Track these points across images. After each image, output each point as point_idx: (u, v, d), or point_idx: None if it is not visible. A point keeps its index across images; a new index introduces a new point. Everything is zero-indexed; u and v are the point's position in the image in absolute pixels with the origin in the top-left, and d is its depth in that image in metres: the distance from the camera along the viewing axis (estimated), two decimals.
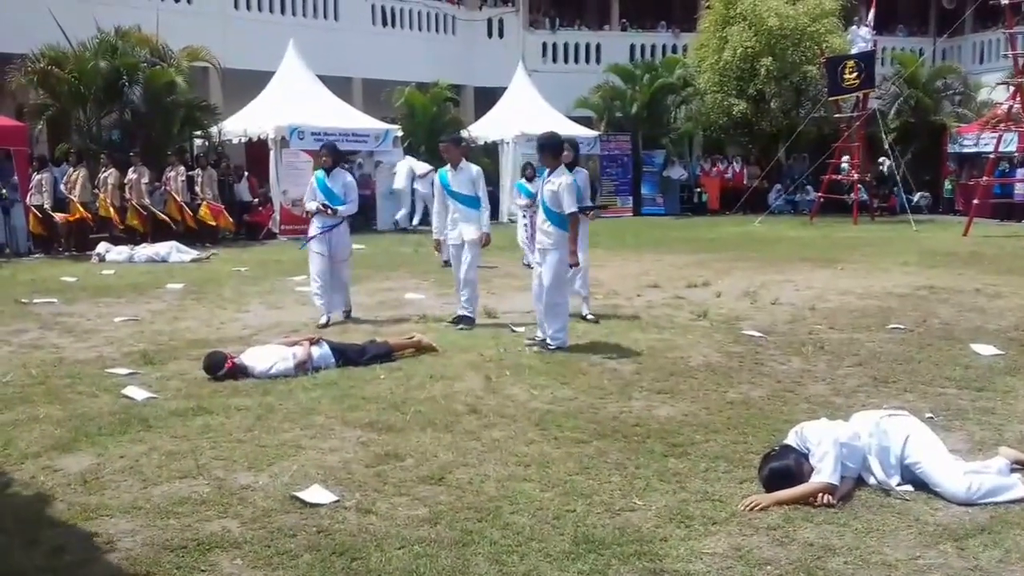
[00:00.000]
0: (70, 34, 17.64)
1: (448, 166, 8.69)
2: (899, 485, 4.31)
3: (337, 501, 4.20)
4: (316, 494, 4.25)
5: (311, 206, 8.93)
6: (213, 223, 17.35)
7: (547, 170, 7.66)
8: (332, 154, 9.00)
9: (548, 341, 7.56)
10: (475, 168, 8.73)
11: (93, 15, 18.30)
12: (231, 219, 17.99)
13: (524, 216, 12.50)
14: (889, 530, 3.91)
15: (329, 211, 8.80)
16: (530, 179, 12.49)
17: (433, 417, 5.54)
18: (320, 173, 8.99)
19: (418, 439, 5.12)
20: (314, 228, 8.96)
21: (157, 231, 16.56)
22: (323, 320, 8.75)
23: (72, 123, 18.15)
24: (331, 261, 8.88)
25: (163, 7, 20.79)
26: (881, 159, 23.75)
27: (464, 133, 20.83)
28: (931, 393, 6.15)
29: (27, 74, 17.11)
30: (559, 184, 7.39)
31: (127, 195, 16.61)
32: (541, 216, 7.62)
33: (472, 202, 8.55)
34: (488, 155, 21.83)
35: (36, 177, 15.98)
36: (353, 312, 9.19)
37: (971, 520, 3.99)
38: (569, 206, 7.34)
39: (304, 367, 6.66)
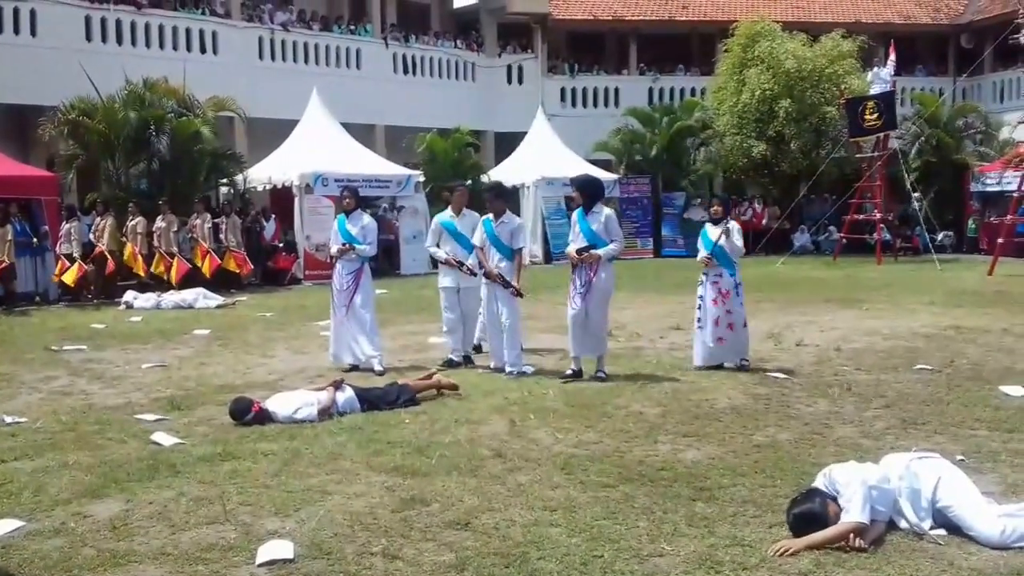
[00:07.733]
0: (100, 86, 18.08)
1: (491, 215, 8.56)
2: (932, 529, 4.25)
3: (292, 561, 4.06)
4: (275, 550, 4.13)
5: (334, 249, 9.00)
6: (237, 271, 17.56)
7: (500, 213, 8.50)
8: (355, 196, 9.05)
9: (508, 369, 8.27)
10: (478, 214, 8.86)
11: (122, 67, 18.80)
12: (251, 265, 18.16)
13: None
14: (923, 575, 3.85)
15: (347, 247, 8.76)
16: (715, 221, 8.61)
17: (458, 461, 5.54)
18: (341, 216, 9.02)
19: (443, 484, 5.11)
20: (336, 275, 8.93)
21: (183, 278, 16.75)
22: (345, 365, 8.77)
23: (101, 173, 18.51)
24: (349, 310, 8.75)
25: (190, 58, 21.34)
26: (917, 195, 23.29)
27: (484, 178, 21.04)
28: (961, 435, 6.07)
29: (58, 125, 17.51)
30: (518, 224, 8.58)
31: (155, 243, 16.87)
32: (498, 255, 8.37)
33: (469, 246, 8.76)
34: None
35: (65, 226, 16.25)
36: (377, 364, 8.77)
37: (1006, 564, 3.92)
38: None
39: (328, 412, 6.69)
